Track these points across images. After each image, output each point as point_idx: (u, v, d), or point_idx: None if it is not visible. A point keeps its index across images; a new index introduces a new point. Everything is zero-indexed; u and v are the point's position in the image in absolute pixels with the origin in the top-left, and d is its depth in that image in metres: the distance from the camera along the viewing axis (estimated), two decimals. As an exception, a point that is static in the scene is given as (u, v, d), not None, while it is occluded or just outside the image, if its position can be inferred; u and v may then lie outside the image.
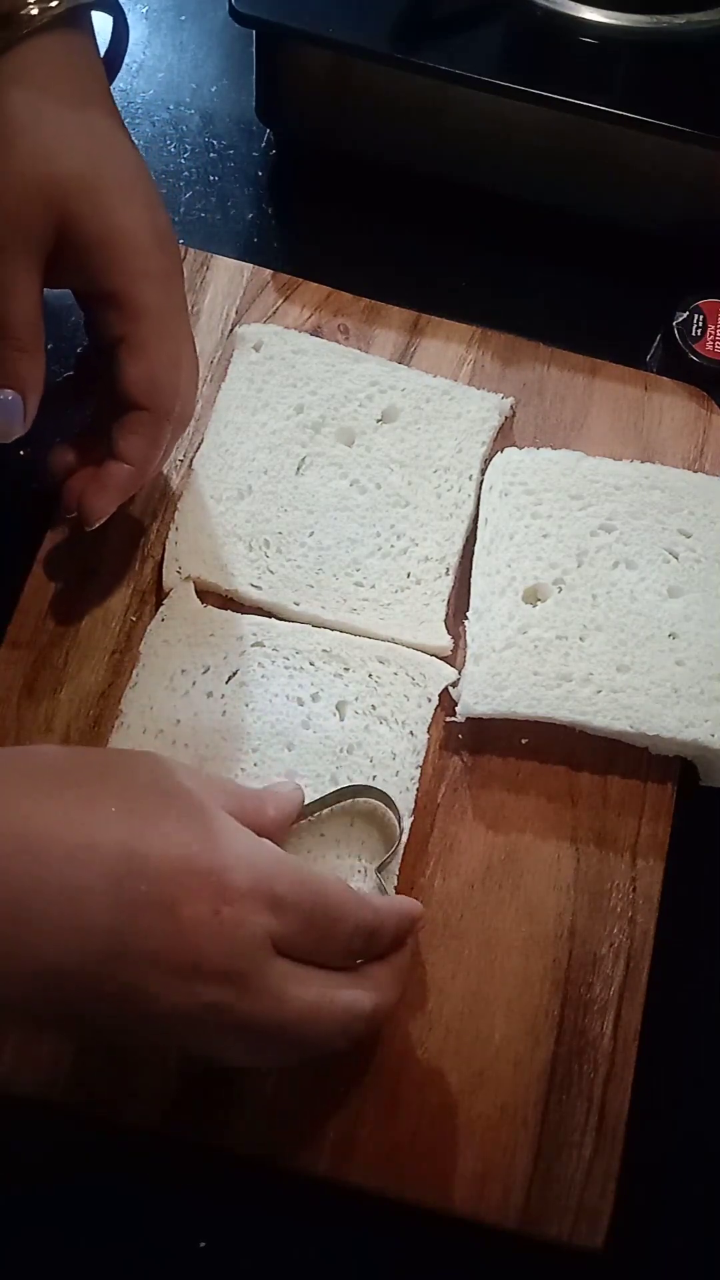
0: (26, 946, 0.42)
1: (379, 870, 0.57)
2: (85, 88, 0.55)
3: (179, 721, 0.60)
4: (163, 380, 0.56)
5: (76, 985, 0.43)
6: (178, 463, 0.66)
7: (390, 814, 0.59)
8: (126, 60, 0.61)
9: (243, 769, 0.59)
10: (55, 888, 0.42)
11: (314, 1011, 0.47)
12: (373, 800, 0.59)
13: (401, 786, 0.59)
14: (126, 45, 0.61)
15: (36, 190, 0.52)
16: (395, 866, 0.58)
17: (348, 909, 0.48)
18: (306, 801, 0.56)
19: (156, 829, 0.45)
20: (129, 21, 0.60)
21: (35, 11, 0.53)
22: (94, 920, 0.43)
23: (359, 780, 0.59)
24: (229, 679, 0.61)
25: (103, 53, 0.59)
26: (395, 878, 0.58)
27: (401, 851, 0.58)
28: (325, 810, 0.58)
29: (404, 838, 0.59)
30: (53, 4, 0.53)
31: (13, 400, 0.54)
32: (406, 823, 0.59)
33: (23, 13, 0.53)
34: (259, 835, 0.49)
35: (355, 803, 0.59)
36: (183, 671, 0.61)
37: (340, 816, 0.59)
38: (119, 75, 0.61)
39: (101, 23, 0.58)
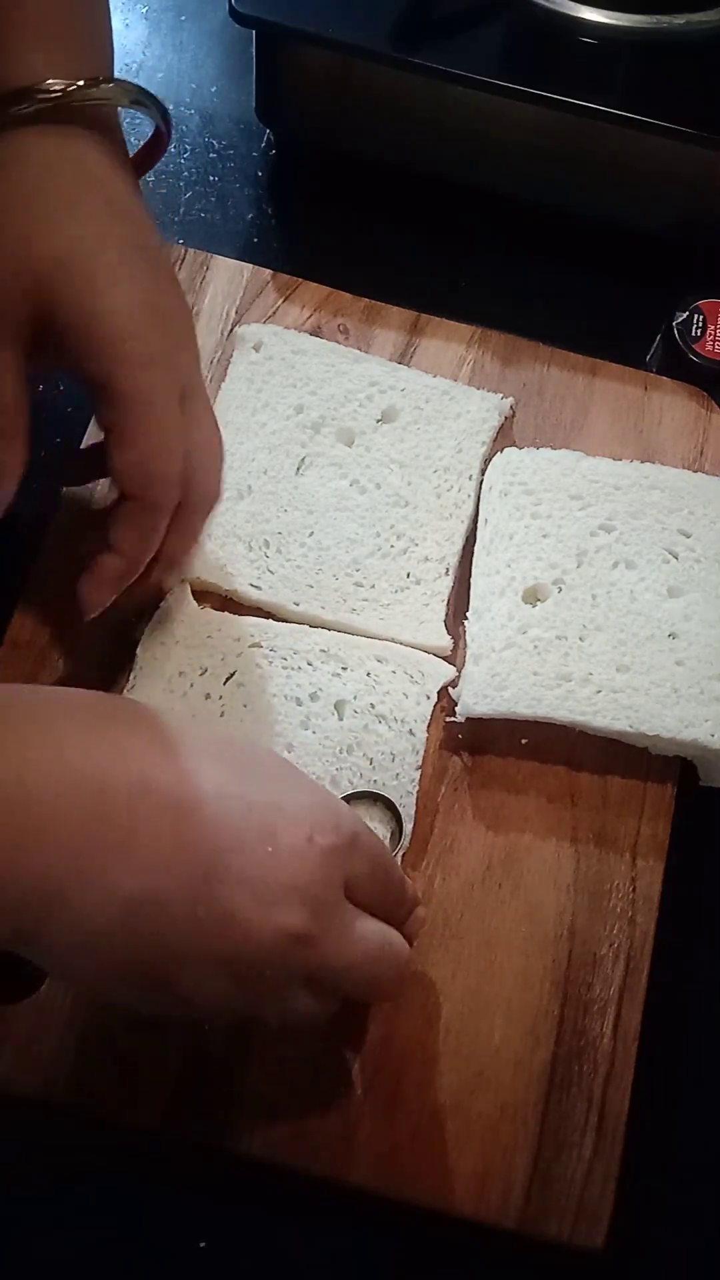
0: (128, 864, 0.43)
1: None
2: (86, 169, 0.53)
3: (178, 722, 0.60)
4: (154, 470, 0.53)
5: (170, 910, 0.44)
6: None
7: (393, 817, 0.59)
8: (126, 61, 0.61)
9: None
10: (161, 806, 0.44)
11: (379, 952, 0.49)
12: (376, 805, 0.59)
13: (403, 790, 0.59)
14: (164, 150, 0.59)
15: (16, 273, 0.51)
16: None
17: (396, 866, 0.52)
18: None
19: (254, 772, 0.48)
20: (139, 32, 0.60)
21: (57, 91, 0.52)
22: (199, 838, 0.44)
23: (359, 782, 0.59)
24: (226, 680, 0.61)
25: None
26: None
27: (403, 854, 0.58)
28: None
29: (406, 841, 0.59)
30: (55, 93, 0.52)
31: None
32: (408, 826, 0.59)
33: (39, 98, 0.52)
34: None
35: (358, 806, 0.59)
36: (180, 673, 0.61)
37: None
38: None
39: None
